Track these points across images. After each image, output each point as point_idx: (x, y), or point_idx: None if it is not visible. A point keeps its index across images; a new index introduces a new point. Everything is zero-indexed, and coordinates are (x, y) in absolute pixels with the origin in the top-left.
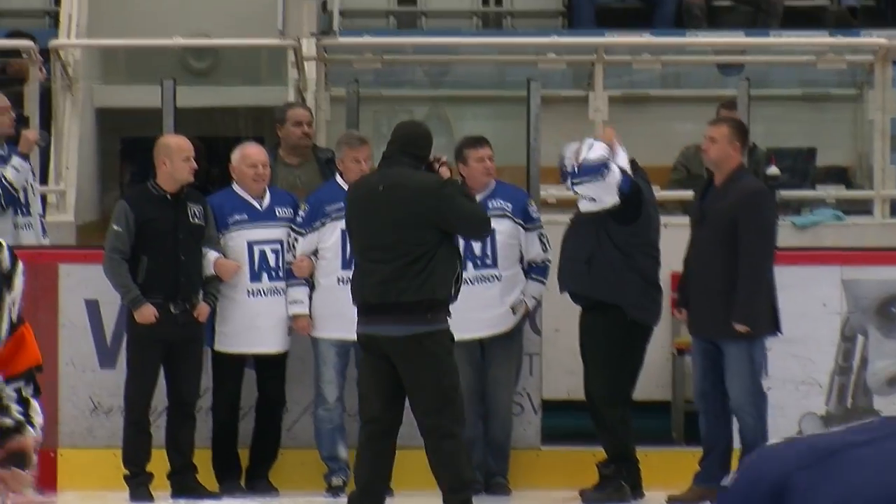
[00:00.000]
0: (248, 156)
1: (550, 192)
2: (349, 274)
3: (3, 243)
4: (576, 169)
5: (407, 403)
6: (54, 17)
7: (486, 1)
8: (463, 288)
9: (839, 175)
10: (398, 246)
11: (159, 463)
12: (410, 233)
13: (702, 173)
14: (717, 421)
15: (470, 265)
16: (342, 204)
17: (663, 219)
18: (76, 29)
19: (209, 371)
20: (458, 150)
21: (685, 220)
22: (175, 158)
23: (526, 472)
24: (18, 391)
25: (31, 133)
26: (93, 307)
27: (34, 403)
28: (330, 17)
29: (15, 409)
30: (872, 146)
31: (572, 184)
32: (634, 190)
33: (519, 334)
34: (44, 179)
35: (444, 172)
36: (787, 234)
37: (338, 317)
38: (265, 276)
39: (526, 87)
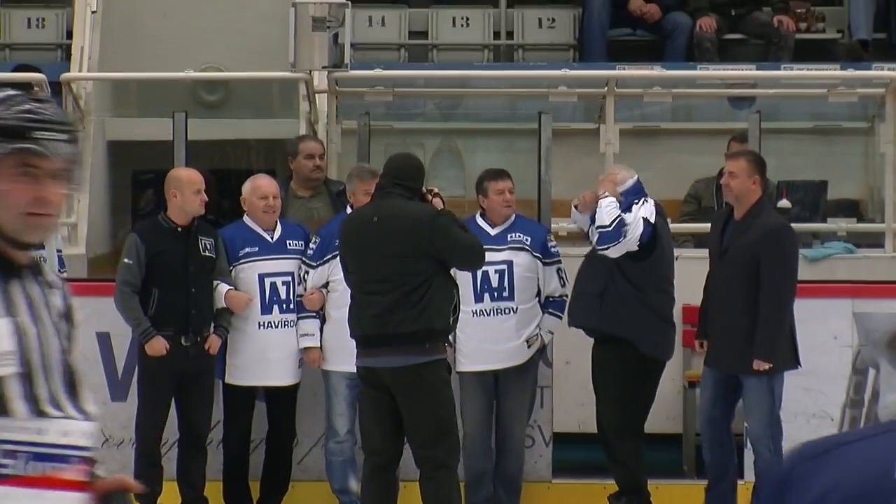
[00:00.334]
0: (259, 187)
1: (562, 224)
2: None
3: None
4: (596, 236)
5: None
6: (66, 51)
7: (498, 34)
8: (479, 320)
9: (850, 208)
10: (394, 277)
11: (170, 496)
12: (406, 264)
13: (713, 206)
14: (723, 450)
15: (487, 297)
16: None
17: (675, 251)
18: (88, 62)
19: (220, 403)
20: (479, 182)
21: (696, 252)
22: (186, 191)
23: None
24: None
25: None
26: (104, 340)
27: None
28: (341, 50)
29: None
30: (884, 179)
31: (599, 251)
32: (653, 236)
33: (533, 367)
34: None
35: (437, 203)
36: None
37: (348, 350)
38: (276, 308)
39: (537, 120)
